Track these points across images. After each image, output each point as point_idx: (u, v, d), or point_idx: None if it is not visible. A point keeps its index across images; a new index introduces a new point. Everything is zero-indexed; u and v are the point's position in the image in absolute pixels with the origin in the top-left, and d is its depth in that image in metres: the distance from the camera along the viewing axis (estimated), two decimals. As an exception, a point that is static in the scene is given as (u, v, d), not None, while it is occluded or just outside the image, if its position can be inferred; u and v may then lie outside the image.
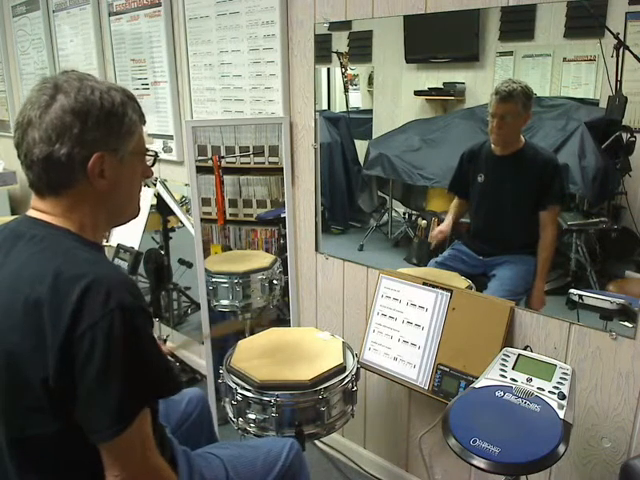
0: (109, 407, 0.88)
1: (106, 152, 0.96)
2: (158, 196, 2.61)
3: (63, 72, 0.98)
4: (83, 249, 0.96)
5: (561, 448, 1.12)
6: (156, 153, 1.12)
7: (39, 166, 0.94)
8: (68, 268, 0.89)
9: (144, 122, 1.05)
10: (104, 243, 2.51)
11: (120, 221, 1.10)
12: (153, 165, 1.11)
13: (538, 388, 1.27)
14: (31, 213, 1.00)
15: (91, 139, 0.94)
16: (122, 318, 0.87)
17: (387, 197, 2.13)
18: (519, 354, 1.39)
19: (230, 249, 2.55)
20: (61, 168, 0.94)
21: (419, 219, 2.02)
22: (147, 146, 1.08)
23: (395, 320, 1.80)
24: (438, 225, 1.91)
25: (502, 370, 1.35)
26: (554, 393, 1.25)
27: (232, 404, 1.58)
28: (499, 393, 1.27)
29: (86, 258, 0.93)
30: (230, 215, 2.53)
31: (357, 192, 2.19)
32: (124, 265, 2.43)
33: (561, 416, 1.19)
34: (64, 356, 0.86)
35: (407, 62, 1.83)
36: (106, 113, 0.95)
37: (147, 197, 2.57)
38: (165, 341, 2.73)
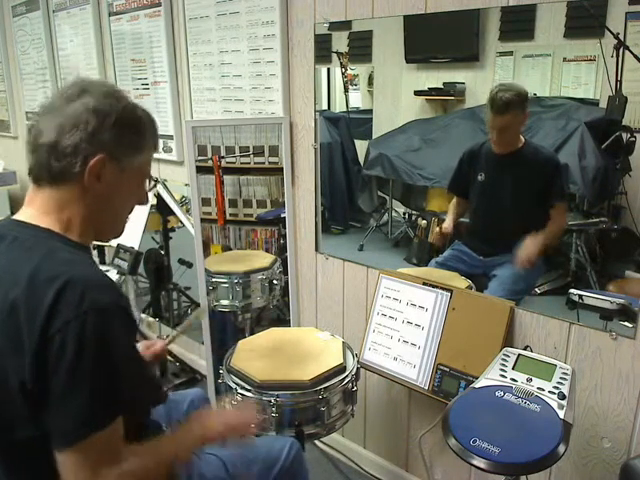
0: (75, 410, 0.85)
1: (110, 157, 0.96)
2: (158, 196, 2.61)
3: (100, 80, 1.02)
4: (65, 249, 0.94)
5: (561, 448, 1.12)
6: (156, 179, 1.12)
7: (44, 150, 0.94)
8: (44, 269, 0.88)
9: (156, 149, 1.06)
10: (104, 243, 2.51)
11: (102, 234, 1.07)
12: (150, 190, 1.11)
13: (538, 388, 1.27)
14: (17, 215, 0.99)
15: (100, 140, 0.95)
16: (95, 320, 0.85)
17: (387, 197, 2.13)
18: (519, 354, 1.39)
19: (230, 249, 2.55)
20: (63, 158, 0.94)
21: (419, 219, 2.02)
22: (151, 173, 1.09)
23: (395, 320, 1.80)
24: (438, 225, 1.91)
25: (502, 370, 1.35)
26: (554, 393, 1.25)
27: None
28: (499, 393, 1.27)
29: (64, 258, 0.92)
30: (230, 215, 2.53)
31: (357, 192, 2.19)
32: (124, 265, 2.42)
33: (561, 416, 1.19)
34: (39, 357, 0.84)
35: (407, 62, 1.83)
36: (124, 122, 0.97)
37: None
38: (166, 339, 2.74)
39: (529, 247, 1.62)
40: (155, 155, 1.10)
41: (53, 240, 0.95)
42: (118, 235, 1.10)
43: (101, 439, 0.87)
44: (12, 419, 0.90)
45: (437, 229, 1.90)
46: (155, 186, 1.13)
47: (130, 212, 1.09)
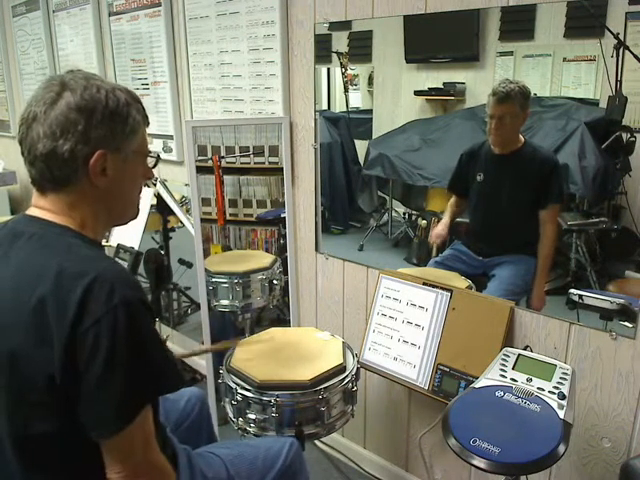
0: (112, 403, 0.88)
1: (109, 150, 0.97)
2: (158, 196, 2.61)
3: (69, 71, 0.99)
4: (84, 246, 0.96)
5: (561, 448, 1.12)
6: (158, 155, 1.13)
7: (42, 161, 0.95)
8: (71, 265, 0.90)
9: (147, 123, 1.06)
10: (104, 243, 2.51)
11: (120, 221, 1.11)
12: (154, 167, 1.12)
13: (538, 388, 1.27)
14: (30, 212, 1.00)
15: (94, 136, 0.95)
16: (126, 313, 0.88)
17: (387, 197, 2.13)
18: (519, 354, 1.39)
19: (230, 249, 2.55)
20: (63, 164, 0.94)
21: (419, 219, 2.02)
22: (149, 148, 1.09)
23: (395, 320, 1.80)
24: (435, 225, 1.91)
25: (502, 370, 1.35)
26: (554, 393, 1.25)
27: (232, 404, 1.58)
28: (499, 393, 1.27)
29: (88, 255, 0.94)
30: (230, 215, 2.53)
31: (357, 192, 2.19)
32: (124, 265, 2.42)
33: (561, 416, 1.19)
34: (69, 352, 0.86)
35: (407, 62, 1.83)
36: (111, 112, 0.96)
37: (147, 197, 2.56)
38: (165, 341, 2.74)
39: (536, 290, 1.63)
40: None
41: (70, 237, 0.96)
42: (135, 217, 1.12)
43: (143, 420, 0.92)
44: (31, 413, 0.91)
45: (433, 232, 1.89)
46: (158, 161, 1.13)
47: (140, 191, 1.11)
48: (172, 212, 2.61)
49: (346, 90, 2.07)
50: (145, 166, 1.09)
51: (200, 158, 2.43)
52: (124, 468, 0.91)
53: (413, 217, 2.08)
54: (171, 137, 2.63)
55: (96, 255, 0.96)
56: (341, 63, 1.99)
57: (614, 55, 1.33)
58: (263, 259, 2.29)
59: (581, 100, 1.52)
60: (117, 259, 2.44)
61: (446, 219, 1.87)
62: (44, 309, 0.87)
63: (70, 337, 0.86)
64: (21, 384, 0.90)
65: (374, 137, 2.00)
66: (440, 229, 1.87)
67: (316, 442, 2.25)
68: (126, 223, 1.12)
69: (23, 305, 0.89)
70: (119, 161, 0.99)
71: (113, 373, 0.87)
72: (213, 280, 2.20)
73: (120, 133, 0.98)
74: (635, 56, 1.30)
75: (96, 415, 0.89)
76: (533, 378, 1.30)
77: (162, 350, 0.97)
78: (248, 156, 2.45)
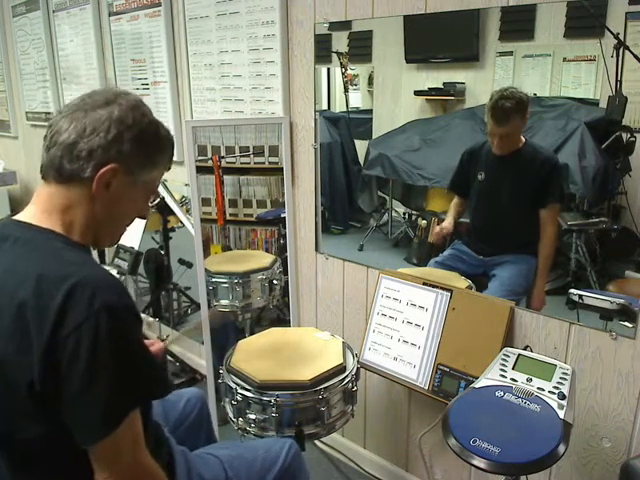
0: (96, 409, 0.87)
1: (122, 168, 0.97)
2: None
3: (127, 92, 1.03)
4: (69, 250, 0.95)
5: (561, 448, 1.12)
6: (162, 198, 1.13)
7: (58, 149, 0.95)
8: (52, 270, 0.89)
9: (168, 168, 1.09)
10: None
11: (98, 241, 1.07)
12: (153, 205, 1.13)
13: (538, 388, 1.27)
14: (17, 217, 0.99)
15: (117, 150, 0.96)
16: (108, 318, 0.86)
17: (387, 197, 2.13)
18: (519, 354, 1.39)
19: (230, 249, 2.55)
20: (76, 159, 0.95)
21: (419, 219, 2.02)
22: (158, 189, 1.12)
23: (395, 320, 1.80)
24: (438, 224, 1.91)
25: (502, 370, 1.35)
26: (554, 393, 1.25)
27: (232, 404, 1.58)
28: (499, 393, 1.27)
29: (71, 259, 0.93)
30: (230, 215, 2.54)
31: (357, 192, 2.19)
32: (124, 265, 2.42)
33: (561, 416, 1.19)
34: (49, 359, 0.85)
35: (407, 62, 1.83)
36: (144, 137, 0.99)
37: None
38: (164, 340, 2.75)
39: (537, 291, 1.62)
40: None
41: (56, 241, 0.95)
42: (114, 243, 1.11)
43: (130, 424, 0.90)
44: (16, 419, 0.91)
45: (437, 228, 1.89)
46: (158, 202, 1.14)
47: (130, 223, 1.10)
48: (172, 212, 2.61)
49: (346, 90, 2.07)
50: (145, 202, 1.09)
51: (200, 158, 2.43)
52: (112, 473, 0.90)
53: (413, 217, 2.08)
54: (171, 137, 2.63)
55: (81, 260, 0.94)
56: (341, 63, 1.99)
57: (614, 55, 1.33)
58: (263, 259, 2.29)
59: (581, 100, 1.52)
60: (117, 259, 2.44)
61: (451, 216, 1.86)
62: (24, 314, 0.86)
63: (50, 343, 0.84)
64: (5, 390, 0.89)
65: (374, 137, 2.00)
66: (446, 224, 1.87)
67: (316, 442, 2.25)
68: (102, 247, 1.11)
69: (5, 310, 0.88)
70: (126, 183, 1.00)
71: (96, 379, 0.86)
72: (213, 280, 2.20)
73: (142, 159, 1.00)
74: (635, 56, 1.30)
75: (81, 422, 0.88)
76: (533, 378, 1.30)
77: (148, 355, 0.96)
78: (248, 156, 2.45)
